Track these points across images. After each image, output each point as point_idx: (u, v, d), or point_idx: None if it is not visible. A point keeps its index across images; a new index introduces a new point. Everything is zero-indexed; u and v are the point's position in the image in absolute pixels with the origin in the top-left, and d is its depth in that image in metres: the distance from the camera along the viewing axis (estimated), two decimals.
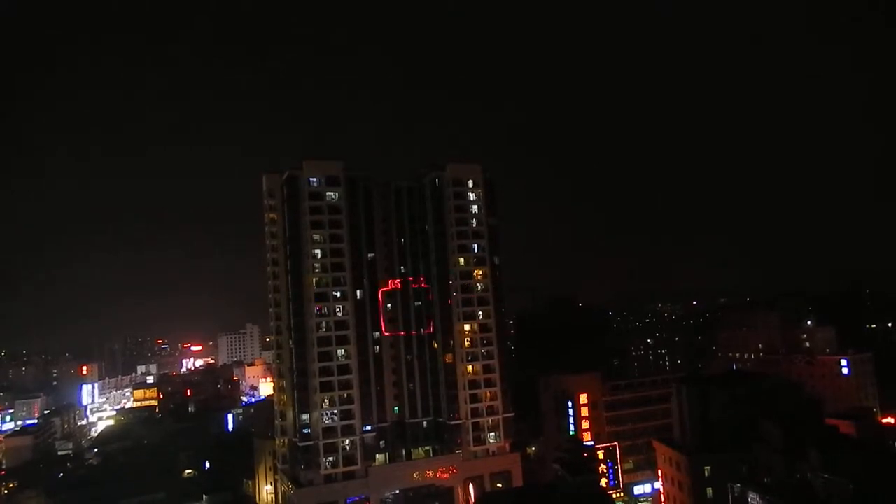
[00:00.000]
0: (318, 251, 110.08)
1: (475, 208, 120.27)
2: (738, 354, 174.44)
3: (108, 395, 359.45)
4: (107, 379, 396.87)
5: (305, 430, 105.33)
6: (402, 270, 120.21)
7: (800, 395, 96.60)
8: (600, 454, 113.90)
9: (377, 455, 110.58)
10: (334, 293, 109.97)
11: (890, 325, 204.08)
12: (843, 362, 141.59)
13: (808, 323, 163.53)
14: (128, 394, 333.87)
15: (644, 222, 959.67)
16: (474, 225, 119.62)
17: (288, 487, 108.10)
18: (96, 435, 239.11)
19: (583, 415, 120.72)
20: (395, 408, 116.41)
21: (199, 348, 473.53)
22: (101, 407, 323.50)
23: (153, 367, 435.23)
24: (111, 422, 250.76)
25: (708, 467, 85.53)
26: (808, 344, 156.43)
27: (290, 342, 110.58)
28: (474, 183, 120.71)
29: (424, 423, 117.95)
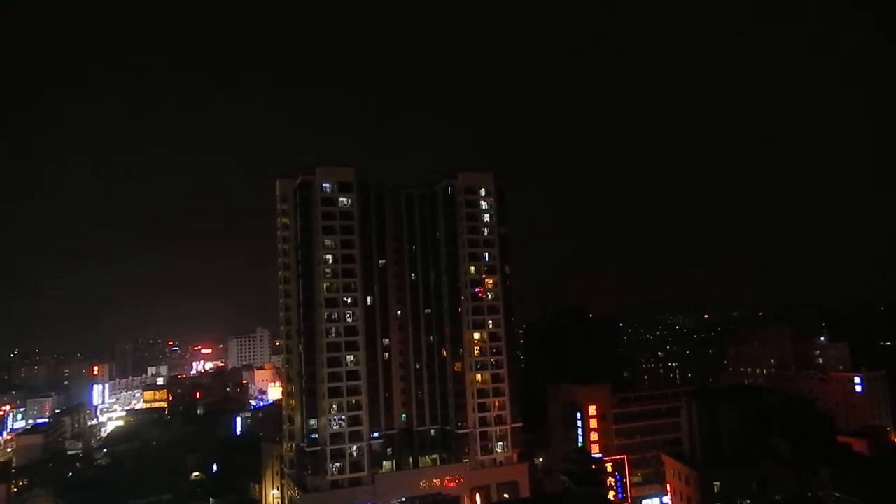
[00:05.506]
0: (329, 257, 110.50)
1: (486, 217, 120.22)
2: (749, 369, 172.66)
3: (118, 395, 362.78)
4: (117, 380, 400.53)
5: (313, 436, 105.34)
6: (413, 278, 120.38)
7: (812, 411, 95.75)
8: (608, 466, 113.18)
9: (384, 462, 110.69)
10: (344, 299, 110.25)
11: None
12: (857, 380, 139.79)
13: (822, 339, 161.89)
14: (137, 395, 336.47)
15: (656, 234, 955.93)
16: (485, 233, 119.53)
17: (294, 492, 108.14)
18: (106, 435, 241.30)
19: (591, 426, 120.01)
20: (403, 415, 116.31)
21: (209, 351, 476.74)
22: (111, 407, 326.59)
23: (163, 369, 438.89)
24: (121, 422, 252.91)
25: (717, 483, 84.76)
26: (820, 360, 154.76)
27: (300, 347, 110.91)
28: (486, 191, 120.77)
29: (432, 431, 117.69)
